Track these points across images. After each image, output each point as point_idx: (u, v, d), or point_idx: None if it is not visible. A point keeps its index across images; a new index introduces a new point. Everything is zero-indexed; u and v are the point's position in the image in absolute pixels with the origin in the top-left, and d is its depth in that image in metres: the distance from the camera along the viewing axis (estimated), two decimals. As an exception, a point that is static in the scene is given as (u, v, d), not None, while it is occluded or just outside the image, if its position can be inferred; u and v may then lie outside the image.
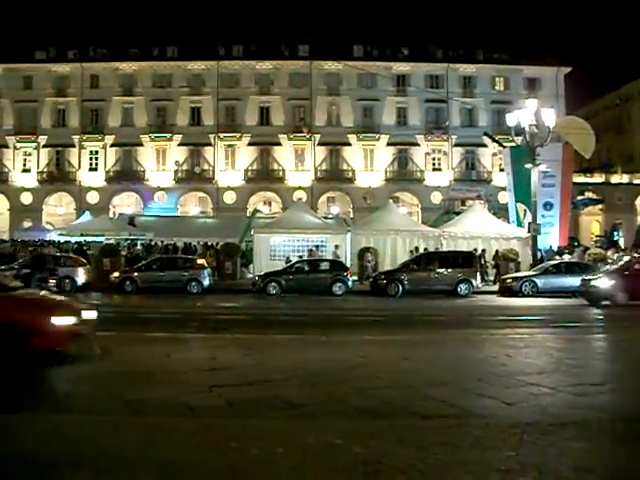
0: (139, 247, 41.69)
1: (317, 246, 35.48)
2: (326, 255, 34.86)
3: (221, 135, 70.39)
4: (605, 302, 24.39)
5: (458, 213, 46.62)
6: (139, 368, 10.74)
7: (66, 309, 11.52)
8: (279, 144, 70.40)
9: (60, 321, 10.89)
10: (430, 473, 5.44)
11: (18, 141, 70.65)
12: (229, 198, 69.69)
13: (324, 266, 31.68)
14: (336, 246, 35.09)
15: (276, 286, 29.84)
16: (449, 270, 30.46)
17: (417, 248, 34.86)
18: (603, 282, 25.30)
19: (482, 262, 33.77)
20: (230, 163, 70.62)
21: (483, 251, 34.62)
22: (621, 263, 28.52)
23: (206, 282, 31.05)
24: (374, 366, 11.15)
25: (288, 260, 34.29)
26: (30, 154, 70.98)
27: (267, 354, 12.51)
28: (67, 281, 30.60)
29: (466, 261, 31.08)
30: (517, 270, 33.99)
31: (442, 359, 11.86)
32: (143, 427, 6.86)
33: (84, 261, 33.16)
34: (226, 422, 7.12)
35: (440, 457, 5.75)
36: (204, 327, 17.40)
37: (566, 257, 36.89)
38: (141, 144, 70.41)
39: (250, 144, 70.38)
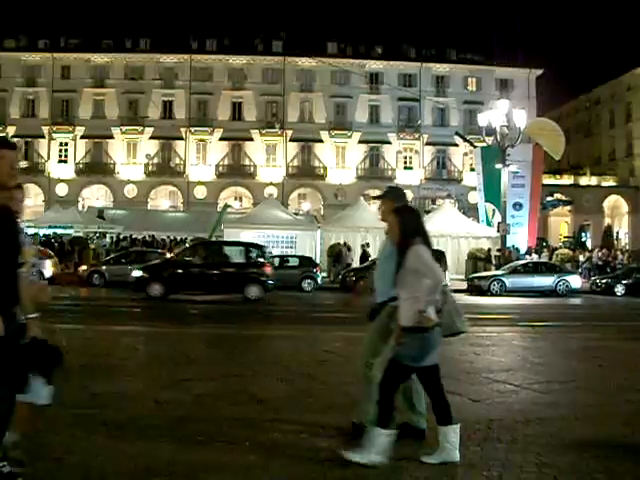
0: (107, 240, 41.41)
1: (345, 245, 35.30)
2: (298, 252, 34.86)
3: (193, 129, 70.12)
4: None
5: (428, 212, 46.87)
6: (106, 361, 10.69)
7: None
8: (251, 139, 70.29)
9: None
10: (394, 467, 5.49)
11: (-15, 131, 69.85)
12: (200, 192, 69.43)
13: (293, 262, 31.76)
14: (367, 244, 35.01)
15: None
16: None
17: (368, 244, 35.06)
18: (137, 273, 24.47)
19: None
20: (201, 157, 70.39)
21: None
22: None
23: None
24: (342, 362, 11.19)
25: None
26: (-2, 144, 70.05)
27: (236, 349, 12.49)
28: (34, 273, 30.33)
29: (436, 259, 31.18)
30: (486, 269, 34.28)
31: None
32: (109, 420, 6.83)
33: (51, 253, 32.88)
34: (193, 416, 7.10)
35: (407, 452, 5.79)
36: (172, 321, 17.35)
37: (534, 257, 37.32)
38: (112, 136, 69.90)
39: (222, 139, 70.18)
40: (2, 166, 4.69)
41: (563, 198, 68.77)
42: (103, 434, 6.31)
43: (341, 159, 70.88)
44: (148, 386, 8.71)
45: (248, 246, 26.84)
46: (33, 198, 69.40)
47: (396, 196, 6.61)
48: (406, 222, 5.76)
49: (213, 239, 38.63)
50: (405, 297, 5.56)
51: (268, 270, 24.66)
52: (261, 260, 25.07)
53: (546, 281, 30.15)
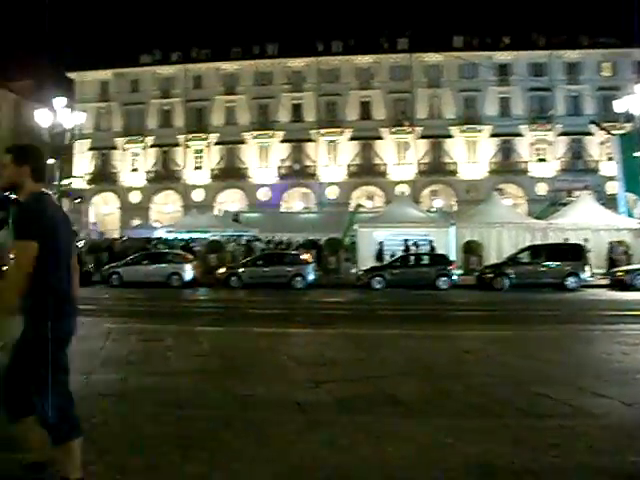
0: (243, 242, 42.17)
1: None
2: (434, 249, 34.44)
3: (322, 131, 70.72)
4: None
5: (565, 204, 45.30)
6: (247, 363, 10.87)
7: None
8: (381, 138, 70.21)
9: None
10: (546, 477, 5.27)
11: (127, 142, 72.93)
12: (332, 193, 69.96)
13: (428, 260, 31.45)
14: (585, 239, 33.65)
15: (381, 280, 29.84)
16: (557, 263, 29.67)
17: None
18: None
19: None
20: (332, 158, 70.87)
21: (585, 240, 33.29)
22: None
23: (310, 277, 31.27)
24: (483, 362, 10.97)
25: (392, 254, 34.27)
26: (138, 154, 73.21)
27: (374, 349, 12.44)
28: (175, 277, 31.43)
29: (575, 253, 30.15)
30: (629, 263, 32.80)
31: (553, 355, 11.52)
32: (254, 422, 6.92)
33: (191, 257, 33.95)
34: (334, 419, 7.09)
35: (556, 460, 5.56)
36: (309, 322, 17.47)
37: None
38: (244, 142, 71.51)
39: (352, 139, 70.47)
40: None
41: None
42: (251, 438, 6.38)
43: (472, 154, 69.74)
44: (289, 388, 8.77)
45: None
46: (171, 204, 72.01)
47: None
48: None
49: (347, 239, 38.79)
50: None
51: None
52: None
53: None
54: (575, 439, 6.10)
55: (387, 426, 6.73)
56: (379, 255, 35.43)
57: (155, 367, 10.58)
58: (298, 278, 30.84)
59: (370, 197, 70.15)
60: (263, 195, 70.49)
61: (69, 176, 64.16)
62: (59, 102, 38.65)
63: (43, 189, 4.73)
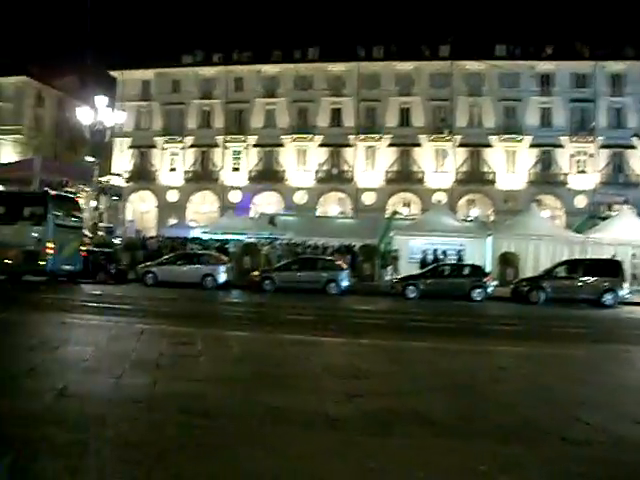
0: (278, 246, 41.96)
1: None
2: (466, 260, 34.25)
3: (361, 136, 70.53)
4: None
5: (604, 218, 44.63)
6: (277, 371, 10.74)
7: None
8: (419, 145, 69.83)
9: None
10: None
11: (166, 142, 73.42)
12: (368, 199, 69.72)
13: (463, 271, 31.17)
14: (633, 255, 33.78)
15: (414, 290, 29.63)
16: (594, 278, 29.20)
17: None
18: None
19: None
20: (370, 164, 70.65)
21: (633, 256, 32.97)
22: None
23: (344, 283, 31.14)
24: (517, 381, 10.73)
25: (428, 263, 34.12)
26: (177, 154, 73.66)
27: (406, 363, 12.26)
28: (209, 278, 31.47)
29: (612, 269, 29.66)
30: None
31: (591, 376, 11.24)
32: (281, 437, 6.78)
33: (225, 259, 33.98)
34: (364, 439, 6.91)
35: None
36: (342, 331, 17.29)
37: None
38: (282, 145, 71.59)
39: (390, 145, 70.19)
40: None
41: None
42: (276, 456, 6.25)
43: (511, 164, 69.03)
44: (319, 401, 8.62)
45: None
46: (208, 205, 72.32)
47: None
48: None
49: (382, 246, 38.57)
50: None
51: None
52: None
53: None
54: (615, 472, 5.88)
55: (418, 449, 6.56)
56: (423, 263, 35.19)
57: (184, 372, 10.49)
58: (332, 284, 30.75)
59: (407, 204, 69.73)
60: (300, 198, 70.38)
61: (108, 173, 64.69)
62: (101, 100, 39.03)
63: None
